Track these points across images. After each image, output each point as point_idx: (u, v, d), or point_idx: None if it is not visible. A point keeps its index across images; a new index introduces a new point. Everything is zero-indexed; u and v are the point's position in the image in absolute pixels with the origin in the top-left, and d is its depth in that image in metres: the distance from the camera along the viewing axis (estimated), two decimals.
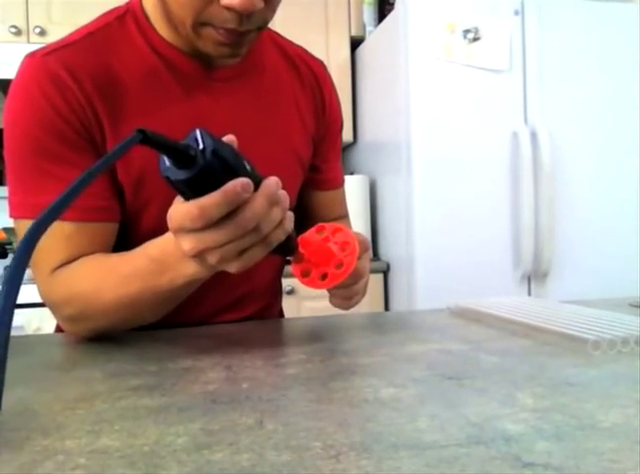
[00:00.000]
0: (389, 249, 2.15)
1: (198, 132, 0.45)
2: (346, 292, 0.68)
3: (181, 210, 0.47)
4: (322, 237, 0.62)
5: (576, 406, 0.39)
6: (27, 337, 0.96)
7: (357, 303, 0.71)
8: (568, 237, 1.94)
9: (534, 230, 1.90)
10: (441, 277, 1.85)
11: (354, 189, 2.00)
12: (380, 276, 2.13)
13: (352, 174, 2.31)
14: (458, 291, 1.73)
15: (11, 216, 0.67)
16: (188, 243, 0.49)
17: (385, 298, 2.14)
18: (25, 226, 0.67)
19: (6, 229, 2.10)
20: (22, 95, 0.66)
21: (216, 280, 0.77)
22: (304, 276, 0.61)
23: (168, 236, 0.55)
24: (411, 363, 0.52)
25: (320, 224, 0.64)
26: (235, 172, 0.47)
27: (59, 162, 0.65)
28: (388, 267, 2.12)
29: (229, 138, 0.50)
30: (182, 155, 0.44)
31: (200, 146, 0.44)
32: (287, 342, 0.69)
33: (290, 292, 1.92)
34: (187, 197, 0.47)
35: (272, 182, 0.50)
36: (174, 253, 0.54)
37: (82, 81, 0.66)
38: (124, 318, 0.64)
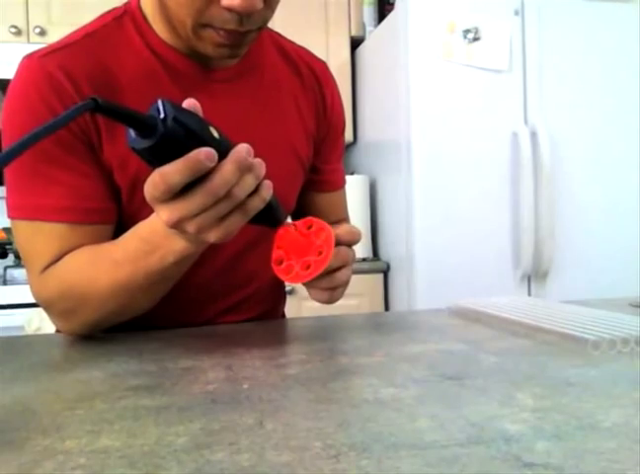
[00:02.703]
0: (389, 249, 2.15)
1: (159, 102, 0.45)
2: (330, 282, 0.63)
3: (148, 180, 0.48)
4: (298, 231, 0.60)
5: (576, 406, 0.39)
6: (27, 337, 0.96)
7: (339, 297, 0.67)
8: (568, 237, 1.94)
9: (534, 230, 1.90)
10: (441, 277, 1.85)
11: (354, 189, 2.00)
12: (380, 275, 2.13)
13: (352, 174, 2.31)
14: (458, 291, 1.73)
15: (8, 217, 0.67)
16: (163, 213, 0.49)
17: (385, 298, 2.14)
18: (22, 228, 0.67)
19: (6, 229, 2.10)
20: (19, 96, 0.66)
21: (219, 282, 0.77)
22: (287, 272, 0.60)
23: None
24: (411, 363, 0.52)
25: (308, 218, 0.61)
26: (201, 139, 0.47)
27: (56, 164, 0.65)
28: (388, 266, 2.12)
29: (191, 105, 0.48)
30: (141, 123, 0.44)
31: (162, 115, 0.45)
32: (287, 342, 0.69)
33: (290, 292, 1.92)
34: (155, 168, 0.48)
35: (242, 148, 0.49)
36: (162, 231, 0.54)
37: (79, 83, 0.66)
38: (120, 306, 0.64)
